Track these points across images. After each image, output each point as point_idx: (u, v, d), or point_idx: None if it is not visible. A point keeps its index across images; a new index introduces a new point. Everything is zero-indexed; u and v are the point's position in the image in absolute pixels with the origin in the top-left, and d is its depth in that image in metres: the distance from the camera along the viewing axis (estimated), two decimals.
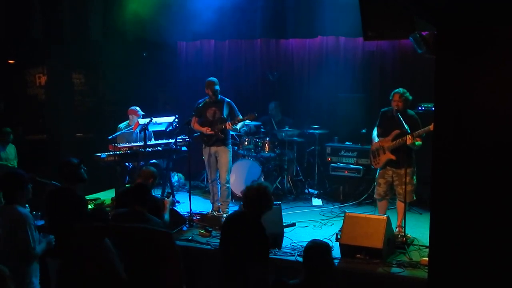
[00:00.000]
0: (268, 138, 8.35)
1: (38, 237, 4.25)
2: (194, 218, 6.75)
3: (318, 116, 8.86)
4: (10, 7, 9.02)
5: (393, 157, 6.15)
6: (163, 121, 7.74)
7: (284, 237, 5.94)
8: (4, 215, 4.18)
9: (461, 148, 3.00)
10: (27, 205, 4.95)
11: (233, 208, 7.20)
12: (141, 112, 7.81)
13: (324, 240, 5.88)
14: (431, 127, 5.69)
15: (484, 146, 2.97)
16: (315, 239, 3.90)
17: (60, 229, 4.48)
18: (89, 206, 6.50)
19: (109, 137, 7.31)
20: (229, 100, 7.13)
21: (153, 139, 7.87)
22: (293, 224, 6.66)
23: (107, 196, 7.87)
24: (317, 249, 3.71)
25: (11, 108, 9.69)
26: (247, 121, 7.45)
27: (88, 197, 6.86)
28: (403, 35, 4.21)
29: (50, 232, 4.55)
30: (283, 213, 6.16)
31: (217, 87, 6.99)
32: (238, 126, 7.24)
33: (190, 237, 6.15)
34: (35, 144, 9.69)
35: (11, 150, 8.28)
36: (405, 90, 6.15)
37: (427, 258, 5.04)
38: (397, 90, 6.17)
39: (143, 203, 4.69)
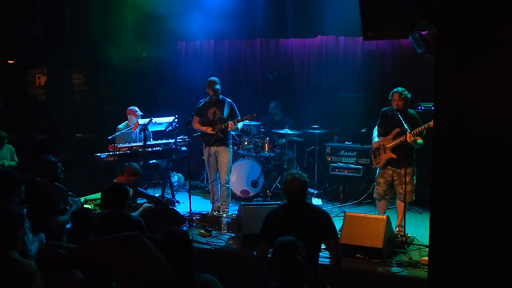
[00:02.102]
0: (268, 138, 8.36)
1: (32, 238, 4.24)
2: (194, 218, 6.75)
3: (318, 116, 8.86)
4: (10, 7, 9.04)
5: (393, 156, 6.14)
6: (163, 121, 7.74)
7: None
8: None
9: (461, 148, 3.00)
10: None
11: (232, 208, 7.20)
12: (139, 112, 7.80)
13: None
14: (431, 123, 5.69)
15: (484, 145, 2.97)
16: (280, 238, 3.59)
17: (35, 225, 4.49)
18: (87, 206, 6.52)
19: (109, 138, 7.32)
20: (230, 100, 7.13)
21: (151, 139, 7.86)
22: None
23: None
24: (286, 246, 3.47)
25: (11, 108, 9.70)
26: (246, 121, 7.45)
27: (88, 197, 6.86)
28: (403, 35, 4.20)
29: None
30: None
31: (218, 87, 6.99)
32: (239, 126, 7.22)
33: (190, 237, 6.13)
34: (35, 144, 9.69)
35: (6, 152, 8.24)
36: (404, 89, 6.14)
37: (427, 258, 5.05)
38: (395, 89, 6.16)
39: (121, 203, 4.66)
